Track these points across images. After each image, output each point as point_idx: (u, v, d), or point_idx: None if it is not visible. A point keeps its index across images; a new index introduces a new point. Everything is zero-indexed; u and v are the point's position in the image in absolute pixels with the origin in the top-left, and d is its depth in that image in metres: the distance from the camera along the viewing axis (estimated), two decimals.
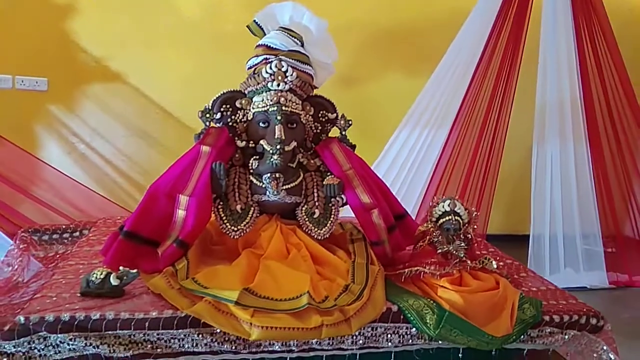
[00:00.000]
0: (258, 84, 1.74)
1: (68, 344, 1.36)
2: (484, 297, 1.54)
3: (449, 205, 1.66)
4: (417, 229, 1.75)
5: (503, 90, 3.09)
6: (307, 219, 1.71)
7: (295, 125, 1.73)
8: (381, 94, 3.54)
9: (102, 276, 1.46)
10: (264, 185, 1.70)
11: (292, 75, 1.71)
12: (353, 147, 1.86)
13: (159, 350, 1.41)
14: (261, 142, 1.69)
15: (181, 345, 1.42)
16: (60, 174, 3.23)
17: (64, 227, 2.08)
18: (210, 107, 1.75)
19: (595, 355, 1.63)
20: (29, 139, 3.31)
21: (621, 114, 3.26)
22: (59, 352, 1.36)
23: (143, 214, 1.61)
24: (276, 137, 1.64)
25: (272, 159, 1.64)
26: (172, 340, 1.41)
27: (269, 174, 1.68)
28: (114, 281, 1.45)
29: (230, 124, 1.76)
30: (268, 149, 1.66)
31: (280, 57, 1.73)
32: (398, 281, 1.66)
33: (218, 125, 1.76)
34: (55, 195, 3.18)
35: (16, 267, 1.81)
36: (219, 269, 1.58)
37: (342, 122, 1.84)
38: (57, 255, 1.90)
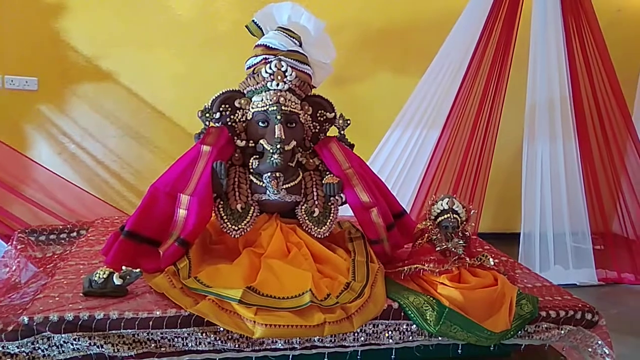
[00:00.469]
0: (257, 83, 1.75)
1: (72, 344, 1.36)
2: (483, 294, 1.57)
3: (447, 203, 1.69)
4: (416, 227, 1.77)
5: (494, 90, 3.13)
6: (306, 218, 1.73)
7: (294, 124, 1.74)
8: (373, 94, 3.55)
9: (105, 276, 1.46)
10: (264, 185, 1.71)
11: (291, 75, 1.73)
12: (352, 146, 1.88)
13: (162, 349, 1.42)
14: (261, 141, 1.70)
15: (185, 344, 1.43)
16: (51, 174, 3.20)
17: (61, 227, 2.07)
18: (209, 107, 1.75)
19: (590, 349, 1.66)
20: (18, 138, 3.27)
21: (609, 112, 3.32)
22: (63, 352, 1.36)
23: (144, 214, 1.62)
24: (276, 136, 1.65)
25: (272, 159, 1.66)
26: (175, 339, 1.42)
27: (269, 173, 1.69)
28: (117, 281, 1.45)
29: (229, 123, 1.77)
30: (268, 149, 1.67)
31: (279, 57, 1.74)
32: (398, 279, 1.68)
33: (217, 124, 1.77)
34: (46, 195, 3.16)
35: (14, 268, 1.80)
36: (221, 268, 1.58)
37: (340, 121, 1.86)
38: (55, 256, 1.89)
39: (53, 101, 3.33)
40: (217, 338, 1.44)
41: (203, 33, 3.41)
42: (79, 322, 1.36)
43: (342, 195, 1.77)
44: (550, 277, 3.00)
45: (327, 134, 1.89)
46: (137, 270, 1.50)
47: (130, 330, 1.39)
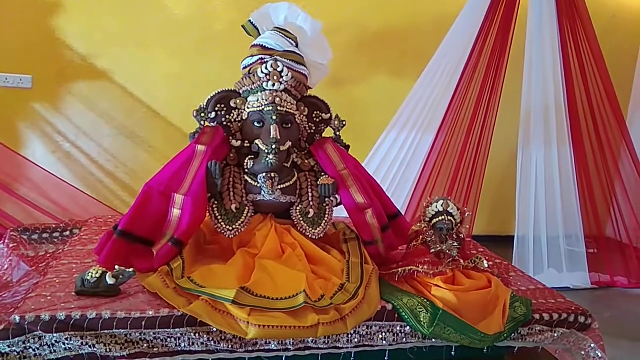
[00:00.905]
0: (253, 83, 1.75)
1: (63, 343, 1.35)
2: (477, 296, 1.57)
3: (441, 205, 1.69)
4: (410, 229, 1.77)
5: (489, 94, 3.14)
6: (301, 219, 1.73)
7: (289, 125, 1.74)
8: (368, 95, 3.56)
9: (97, 275, 1.45)
10: (258, 185, 1.70)
11: (287, 75, 1.73)
12: (347, 147, 1.88)
13: (155, 349, 1.41)
14: (256, 141, 1.70)
15: (177, 344, 1.42)
16: (45, 172, 3.18)
17: (53, 226, 2.06)
18: (204, 106, 1.75)
19: (583, 352, 1.67)
20: (12, 136, 3.25)
21: (604, 117, 3.33)
22: (54, 351, 1.35)
23: (137, 213, 1.61)
24: (271, 136, 1.65)
25: (267, 159, 1.65)
26: (168, 339, 1.41)
27: (263, 174, 1.68)
28: (109, 280, 1.44)
29: (224, 123, 1.76)
30: (263, 149, 1.67)
31: (275, 57, 1.73)
32: (392, 280, 1.68)
33: (212, 124, 1.76)
34: (40, 193, 3.14)
35: (5, 266, 1.79)
36: (215, 268, 1.58)
37: (336, 122, 1.86)
38: (47, 255, 1.88)
39: (47, 99, 3.31)
40: (210, 338, 1.43)
41: (199, 32, 3.40)
42: (71, 321, 1.35)
43: (336, 196, 1.76)
44: (544, 280, 3.02)
45: (323, 135, 1.88)
46: (130, 269, 1.49)
47: (122, 330, 1.38)
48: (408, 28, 3.51)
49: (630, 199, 3.45)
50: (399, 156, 3.18)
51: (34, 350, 1.34)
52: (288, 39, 1.81)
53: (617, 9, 3.93)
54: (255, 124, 1.72)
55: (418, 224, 1.73)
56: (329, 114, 1.85)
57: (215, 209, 1.67)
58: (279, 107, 1.70)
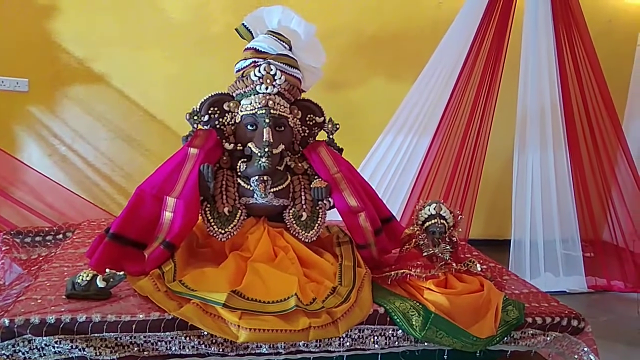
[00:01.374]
0: (246, 86, 1.75)
1: (53, 347, 1.34)
2: (469, 299, 1.57)
3: (434, 208, 1.69)
4: (403, 232, 1.77)
5: (485, 98, 3.14)
6: (294, 222, 1.72)
7: (283, 128, 1.74)
8: (365, 99, 3.56)
9: (88, 278, 1.44)
10: (251, 188, 1.70)
11: (280, 78, 1.72)
12: (340, 150, 1.88)
13: (145, 353, 1.40)
14: (249, 144, 1.70)
15: (168, 347, 1.41)
16: (41, 176, 3.17)
17: (46, 229, 2.06)
18: (198, 110, 1.75)
19: (576, 356, 1.66)
20: (8, 140, 3.25)
21: (599, 121, 3.34)
22: (44, 355, 1.34)
23: (129, 216, 1.60)
24: (264, 139, 1.65)
25: (260, 162, 1.65)
26: (159, 343, 1.41)
27: (256, 177, 1.68)
28: (100, 283, 1.44)
29: (218, 126, 1.76)
30: (256, 152, 1.67)
31: (268, 60, 1.73)
32: (385, 283, 1.67)
33: (206, 127, 1.76)
34: (36, 197, 3.13)
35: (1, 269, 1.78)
36: (207, 271, 1.57)
37: (329, 125, 1.86)
38: (40, 258, 1.87)
39: (44, 103, 3.32)
40: (201, 342, 1.42)
41: (196, 35, 3.40)
42: (61, 325, 1.34)
43: (330, 199, 1.76)
44: (540, 284, 3.03)
45: (317, 138, 1.88)
46: (121, 273, 1.48)
47: (112, 334, 1.37)
48: (404, 32, 3.52)
49: (626, 203, 3.45)
50: (396, 160, 3.18)
51: (23, 353, 1.33)
52: (282, 42, 1.80)
53: (613, 14, 3.94)
54: (249, 127, 1.72)
55: (411, 228, 1.72)
56: (322, 118, 1.85)
57: (208, 212, 1.67)
58: (272, 111, 1.69)
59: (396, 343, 1.55)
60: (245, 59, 1.79)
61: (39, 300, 1.43)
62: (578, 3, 3.18)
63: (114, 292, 1.50)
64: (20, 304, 1.41)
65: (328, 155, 1.80)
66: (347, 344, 1.52)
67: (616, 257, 3.47)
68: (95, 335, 1.36)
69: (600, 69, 3.26)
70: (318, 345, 1.49)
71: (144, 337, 1.39)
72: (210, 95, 1.78)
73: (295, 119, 1.80)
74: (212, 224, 1.65)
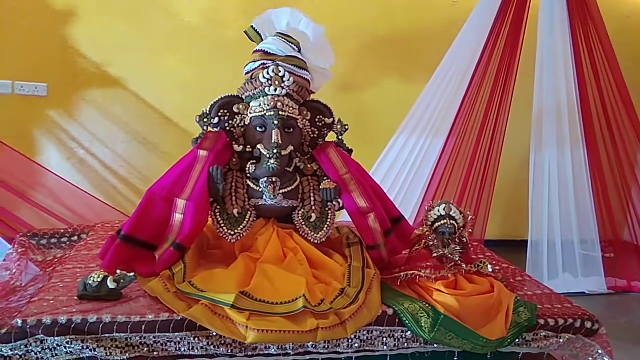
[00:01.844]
0: (255, 88, 1.76)
1: (65, 347, 1.36)
2: (479, 300, 1.55)
3: (444, 209, 1.68)
4: (413, 233, 1.76)
5: (500, 96, 3.11)
6: (303, 223, 1.73)
7: (292, 129, 1.74)
8: (378, 100, 3.55)
9: (99, 279, 1.46)
10: (260, 189, 1.71)
11: (288, 80, 1.73)
12: (350, 151, 1.88)
13: (155, 353, 1.42)
14: (258, 146, 1.70)
15: (177, 348, 1.43)
16: (60, 179, 3.23)
17: (62, 231, 2.09)
18: (207, 112, 1.77)
19: (590, 358, 1.63)
20: (28, 144, 3.32)
21: (618, 118, 3.28)
22: (56, 355, 1.37)
23: (140, 218, 1.63)
24: (273, 141, 1.65)
25: (268, 163, 1.66)
26: (168, 343, 1.42)
27: (265, 178, 1.69)
28: (110, 284, 1.46)
29: (227, 128, 1.77)
30: (265, 153, 1.68)
31: (277, 62, 1.74)
32: (394, 284, 1.66)
33: (215, 129, 1.78)
34: (55, 200, 3.19)
35: (14, 271, 1.82)
36: (216, 272, 1.59)
37: (338, 126, 1.86)
38: (55, 259, 1.91)
39: (62, 107, 3.37)
40: (210, 343, 1.43)
41: (210, 39, 3.43)
42: (72, 325, 1.36)
43: (339, 200, 1.76)
44: (559, 285, 2.99)
45: (326, 139, 1.88)
46: (131, 274, 1.50)
47: (122, 334, 1.39)
48: (417, 32, 3.50)
49: None
50: (409, 161, 3.16)
51: (36, 353, 1.36)
52: (290, 44, 1.81)
53: (633, 9, 3.87)
54: (258, 128, 1.73)
55: (420, 228, 1.71)
56: (331, 118, 1.85)
57: (218, 213, 1.68)
58: (280, 112, 1.70)
59: (405, 344, 1.55)
60: (254, 61, 1.80)
61: (51, 301, 1.45)
62: None
63: (124, 293, 1.52)
64: (33, 304, 1.43)
65: (337, 156, 1.80)
66: (356, 345, 1.52)
67: (636, 257, 3.40)
68: (106, 335, 1.38)
69: (618, 66, 3.19)
70: (326, 346, 1.49)
71: (153, 337, 1.41)
72: (219, 97, 1.79)
73: (304, 120, 1.80)
74: (222, 225, 1.66)
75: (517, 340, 1.57)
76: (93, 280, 1.46)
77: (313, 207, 1.75)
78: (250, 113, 1.75)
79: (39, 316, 1.37)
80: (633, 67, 3.56)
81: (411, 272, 1.63)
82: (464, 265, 1.64)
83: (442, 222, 1.67)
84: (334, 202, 1.76)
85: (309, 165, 1.82)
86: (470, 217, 1.70)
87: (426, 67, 3.27)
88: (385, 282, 1.68)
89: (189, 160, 1.69)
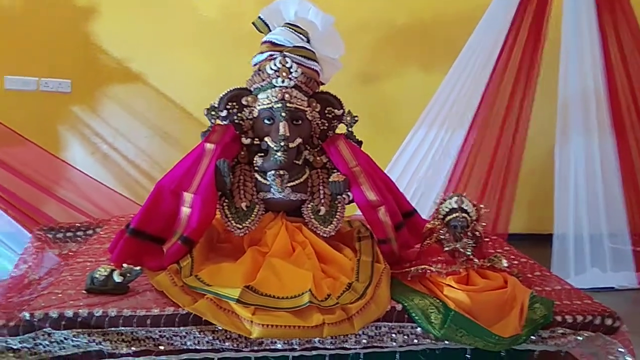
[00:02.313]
0: (263, 80, 1.73)
1: (72, 340, 1.37)
2: (491, 296, 1.50)
3: (456, 202, 1.62)
4: (425, 227, 1.71)
5: (524, 85, 3.01)
6: (312, 217, 1.70)
7: (300, 121, 1.71)
8: (399, 92, 3.50)
9: (105, 273, 1.47)
10: (268, 183, 1.69)
11: (296, 71, 1.70)
12: (360, 143, 1.84)
13: (161, 347, 1.41)
14: (265, 139, 1.68)
15: (183, 342, 1.42)
16: (84, 175, 3.28)
17: (78, 225, 2.11)
18: (216, 105, 1.75)
19: (611, 357, 1.56)
20: (53, 139, 3.39)
21: None
22: (63, 348, 1.38)
23: (149, 212, 1.63)
24: (280, 133, 1.63)
25: (275, 156, 1.63)
26: (174, 338, 1.42)
27: (273, 171, 1.67)
28: (117, 278, 1.46)
29: (236, 121, 1.76)
30: (272, 146, 1.65)
31: (284, 53, 1.71)
32: (404, 280, 1.62)
33: (224, 122, 1.76)
34: (79, 195, 3.24)
35: (30, 264, 1.85)
36: (223, 266, 1.57)
37: (348, 118, 1.82)
38: (70, 254, 1.93)
39: (86, 102, 3.44)
40: (215, 337, 1.42)
41: (230, 34, 3.43)
42: (78, 319, 1.37)
43: (349, 193, 1.73)
44: (586, 280, 2.90)
45: (337, 131, 1.85)
46: (137, 268, 1.50)
47: (128, 328, 1.39)
48: (437, 20, 3.42)
49: None
50: (430, 151, 3.10)
51: (44, 347, 1.37)
52: (299, 34, 1.77)
53: None
54: (266, 121, 1.71)
55: (432, 222, 1.66)
56: (341, 110, 1.81)
57: (226, 207, 1.67)
58: (288, 104, 1.67)
59: (415, 341, 1.50)
60: (262, 53, 1.78)
61: (60, 295, 1.47)
62: None
63: (132, 287, 1.52)
64: (42, 298, 1.45)
65: (347, 148, 1.76)
66: (364, 341, 1.48)
67: None
68: (112, 329, 1.38)
69: None
70: (333, 342, 1.46)
71: (159, 331, 1.41)
72: (228, 90, 1.78)
73: (313, 112, 1.77)
74: (230, 219, 1.65)
75: (532, 337, 1.52)
76: (100, 274, 1.47)
77: (322, 201, 1.72)
78: (258, 105, 1.73)
79: (46, 310, 1.38)
80: None
81: (422, 267, 1.59)
82: (476, 260, 1.58)
83: (454, 215, 1.61)
84: (343, 196, 1.73)
85: (318, 158, 1.79)
86: (483, 210, 1.64)
87: (448, 56, 3.19)
88: (395, 277, 1.64)
89: (197, 154, 1.68)
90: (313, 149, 1.80)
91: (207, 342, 1.43)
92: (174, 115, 3.53)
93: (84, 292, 1.49)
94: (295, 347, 1.46)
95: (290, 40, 1.74)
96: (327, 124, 1.81)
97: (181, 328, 1.41)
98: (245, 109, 1.76)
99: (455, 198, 1.63)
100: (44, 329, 1.36)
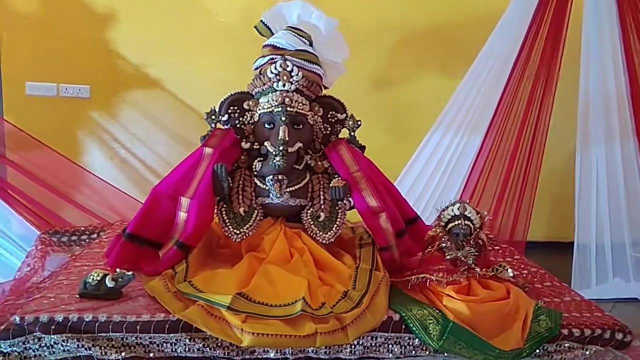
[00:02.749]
0: (264, 84, 1.71)
1: (62, 345, 1.36)
2: (493, 308, 1.43)
3: (458, 209, 1.56)
4: (427, 234, 1.66)
5: (543, 89, 2.91)
6: (312, 223, 1.66)
7: (301, 126, 1.68)
8: (415, 96, 3.43)
9: (98, 278, 1.46)
10: (267, 188, 1.66)
11: (297, 75, 1.67)
12: (363, 148, 1.79)
13: (151, 354, 1.39)
14: (265, 143, 1.66)
15: (173, 349, 1.40)
16: (101, 181, 3.31)
17: (82, 228, 2.13)
18: (216, 109, 1.74)
19: None
20: (73, 145, 3.43)
21: None
22: (53, 352, 1.37)
23: (145, 216, 1.62)
24: (279, 138, 1.60)
25: (274, 161, 1.61)
26: (164, 344, 1.39)
27: (271, 176, 1.64)
28: (109, 283, 1.45)
29: (238, 125, 1.74)
30: (271, 150, 1.63)
31: (285, 56, 1.69)
32: (405, 288, 1.57)
33: (225, 127, 1.75)
34: (97, 201, 3.27)
35: (35, 267, 1.86)
36: (218, 272, 1.55)
37: (350, 122, 1.78)
38: (73, 257, 1.94)
39: (104, 108, 3.47)
40: (206, 345, 1.39)
41: (247, 39, 3.37)
42: (68, 324, 1.36)
43: (350, 199, 1.68)
44: (608, 290, 2.79)
45: (340, 136, 1.81)
46: (129, 273, 1.49)
47: (118, 334, 1.37)
48: (454, 24, 3.34)
49: None
50: (446, 157, 3.02)
51: (34, 351, 1.36)
52: (301, 37, 1.75)
53: None
54: (266, 125, 1.68)
55: (434, 229, 1.61)
56: (344, 114, 1.77)
57: (224, 212, 1.65)
58: (288, 108, 1.65)
59: (413, 352, 1.45)
60: (264, 56, 1.76)
61: (52, 299, 1.46)
62: None
63: (125, 292, 1.51)
64: (34, 302, 1.45)
65: (348, 153, 1.72)
66: (359, 351, 1.43)
67: None
68: (102, 334, 1.37)
69: None
70: (328, 352, 1.42)
71: (149, 338, 1.39)
72: (230, 94, 1.77)
73: (315, 116, 1.74)
74: (228, 224, 1.63)
75: (537, 351, 1.45)
76: (92, 279, 1.46)
77: (322, 207, 1.68)
78: (259, 109, 1.71)
79: (37, 314, 1.37)
80: None
81: (422, 275, 1.53)
82: (478, 270, 1.52)
83: (457, 222, 1.55)
84: (344, 202, 1.69)
85: (320, 163, 1.75)
86: (487, 217, 1.58)
87: (465, 60, 3.11)
88: (396, 285, 1.59)
89: (195, 158, 1.67)
90: (315, 154, 1.77)
91: (198, 349, 1.40)
92: (192, 121, 3.53)
93: (77, 296, 1.48)
94: (289, 356, 1.42)
95: (292, 43, 1.72)
96: (329, 129, 1.78)
97: (171, 335, 1.39)
98: (246, 113, 1.74)
99: (457, 205, 1.57)
100: (34, 333, 1.36)
